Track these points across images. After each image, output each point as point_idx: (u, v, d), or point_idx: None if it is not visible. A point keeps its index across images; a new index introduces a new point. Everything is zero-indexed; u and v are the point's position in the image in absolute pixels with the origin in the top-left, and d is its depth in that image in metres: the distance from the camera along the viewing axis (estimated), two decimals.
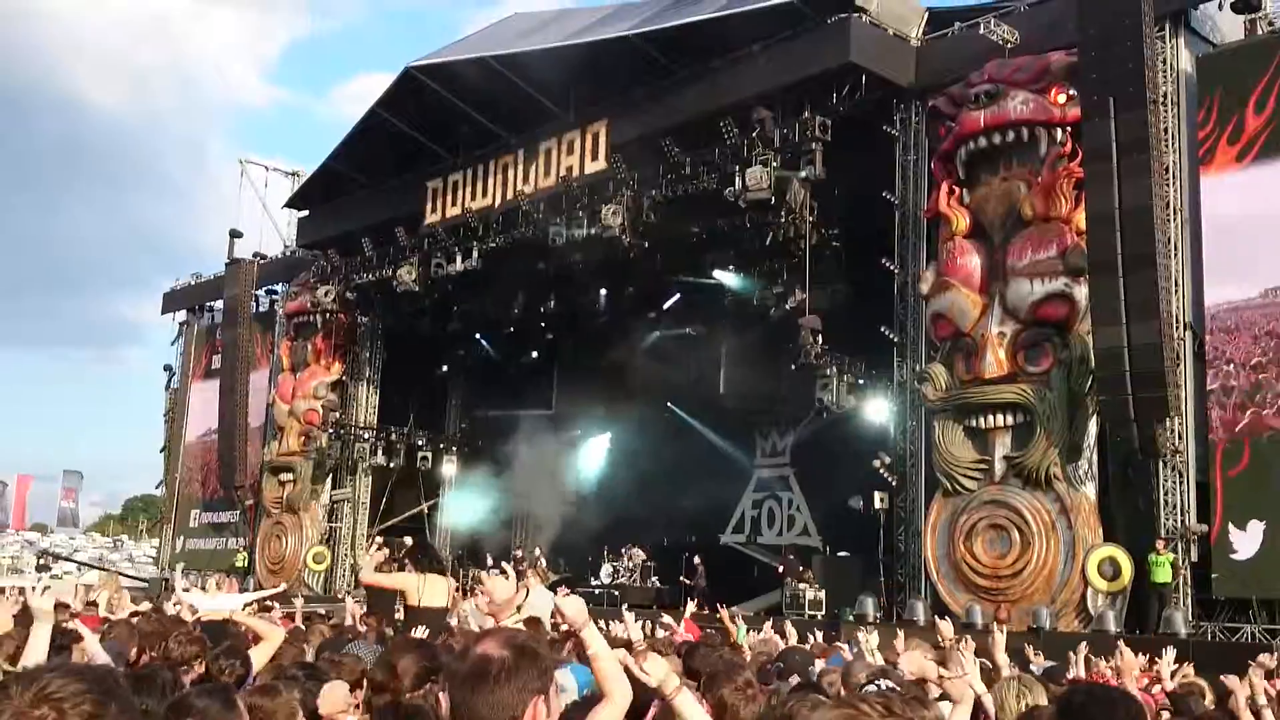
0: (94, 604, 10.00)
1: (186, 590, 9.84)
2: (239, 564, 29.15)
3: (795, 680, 5.15)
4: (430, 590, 7.86)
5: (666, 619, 11.58)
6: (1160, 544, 15.68)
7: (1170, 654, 7.48)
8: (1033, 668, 8.33)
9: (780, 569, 21.72)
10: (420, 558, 8.18)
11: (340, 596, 23.64)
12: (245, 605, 10.26)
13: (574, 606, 3.05)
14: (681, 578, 23.17)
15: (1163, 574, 15.64)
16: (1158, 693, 7.04)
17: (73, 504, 46.22)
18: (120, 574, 33.82)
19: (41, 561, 30.67)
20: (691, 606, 18.65)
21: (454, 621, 8.59)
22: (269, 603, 12.10)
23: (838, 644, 9.74)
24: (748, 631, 9.69)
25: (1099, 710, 2.96)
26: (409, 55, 24.35)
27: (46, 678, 1.84)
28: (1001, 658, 6.88)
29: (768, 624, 11.35)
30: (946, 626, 7.76)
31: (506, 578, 3.19)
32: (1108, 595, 15.90)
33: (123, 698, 1.91)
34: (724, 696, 3.51)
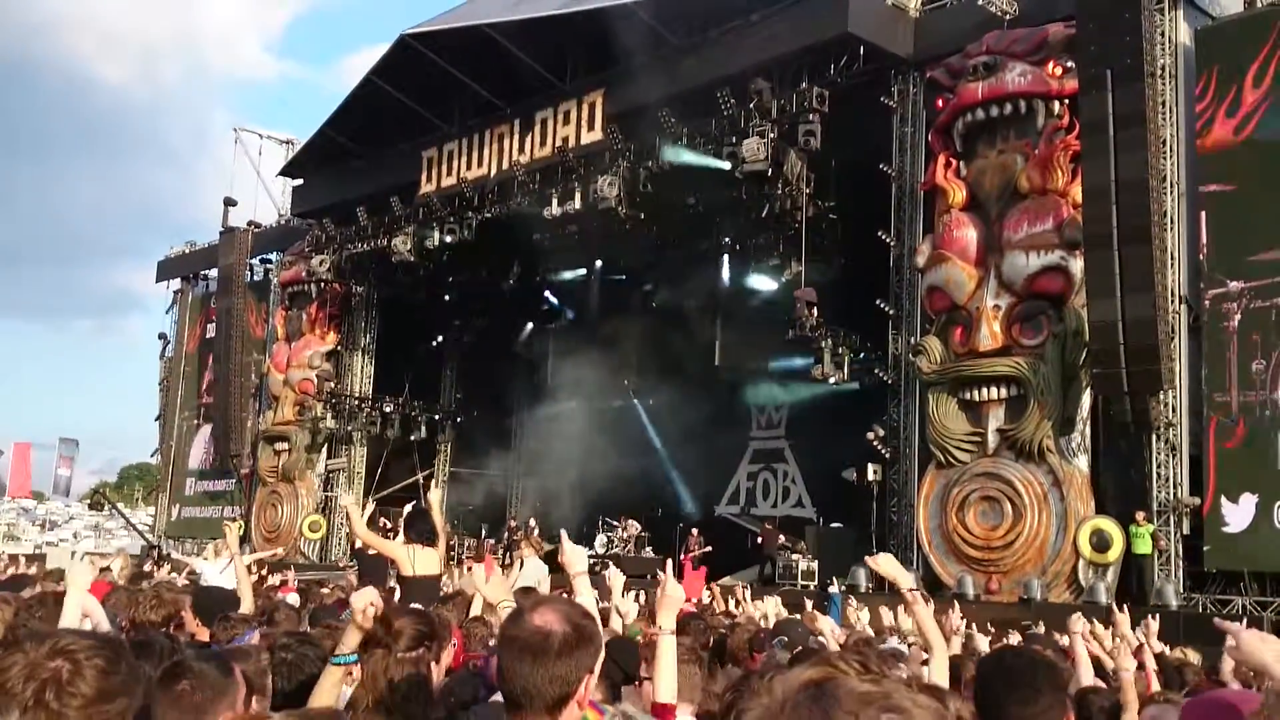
0: (108, 570, 10.10)
1: (194, 557, 9.92)
2: (234, 533, 29.18)
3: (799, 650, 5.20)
4: (421, 561, 7.89)
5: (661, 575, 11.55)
6: (1140, 516, 15.79)
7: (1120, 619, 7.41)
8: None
9: (761, 539, 21.81)
10: (410, 529, 8.18)
11: (342, 566, 23.72)
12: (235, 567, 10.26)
13: (577, 554, 3.42)
14: (684, 557, 22.86)
15: (1143, 545, 15.77)
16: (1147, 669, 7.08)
17: (68, 472, 46.23)
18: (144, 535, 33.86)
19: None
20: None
21: (449, 588, 8.63)
22: (264, 570, 12.15)
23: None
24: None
25: (1007, 676, 2.90)
26: (413, 25, 24.15)
27: (59, 634, 1.91)
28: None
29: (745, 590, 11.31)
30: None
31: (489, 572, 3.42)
32: (1099, 567, 16.00)
33: (130, 659, 1.96)
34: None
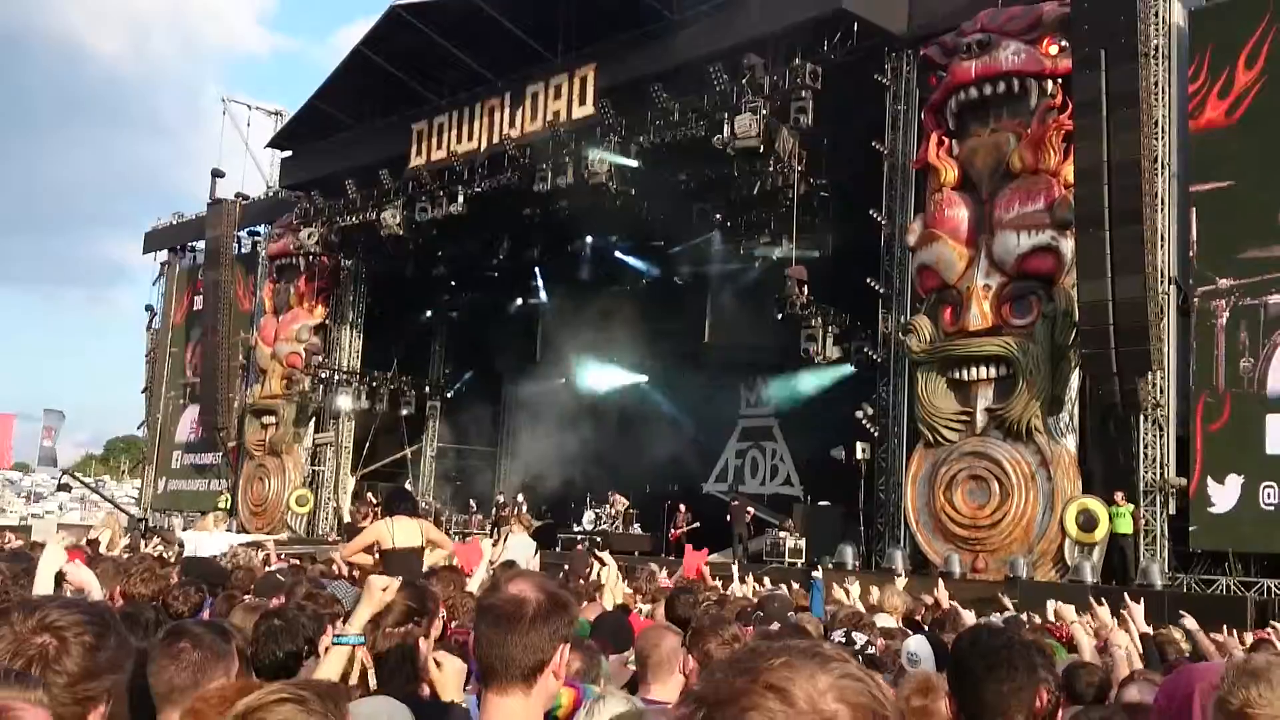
0: (95, 542, 10.04)
1: (184, 530, 9.93)
2: (221, 505, 29.16)
3: (775, 627, 5.20)
4: (401, 533, 7.87)
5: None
6: (1119, 496, 15.86)
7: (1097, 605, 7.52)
8: (995, 617, 8.44)
9: (729, 516, 21.85)
10: (392, 503, 8.18)
11: (331, 540, 23.72)
12: (231, 547, 10.27)
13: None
14: (673, 533, 22.94)
15: (1123, 525, 15.85)
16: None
17: (54, 443, 46.02)
18: (122, 509, 33.78)
19: (63, 481, 30.97)
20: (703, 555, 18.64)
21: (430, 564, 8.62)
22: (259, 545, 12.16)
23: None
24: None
25: (982, 654, 2.87)
26: None
27: (47, 607, 1.89)
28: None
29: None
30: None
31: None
32: (1085, 546, 16.07)
33: (120, 631, 1.95)
34: (710, 650, 3.58)
